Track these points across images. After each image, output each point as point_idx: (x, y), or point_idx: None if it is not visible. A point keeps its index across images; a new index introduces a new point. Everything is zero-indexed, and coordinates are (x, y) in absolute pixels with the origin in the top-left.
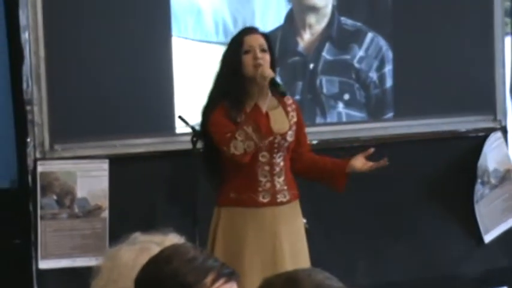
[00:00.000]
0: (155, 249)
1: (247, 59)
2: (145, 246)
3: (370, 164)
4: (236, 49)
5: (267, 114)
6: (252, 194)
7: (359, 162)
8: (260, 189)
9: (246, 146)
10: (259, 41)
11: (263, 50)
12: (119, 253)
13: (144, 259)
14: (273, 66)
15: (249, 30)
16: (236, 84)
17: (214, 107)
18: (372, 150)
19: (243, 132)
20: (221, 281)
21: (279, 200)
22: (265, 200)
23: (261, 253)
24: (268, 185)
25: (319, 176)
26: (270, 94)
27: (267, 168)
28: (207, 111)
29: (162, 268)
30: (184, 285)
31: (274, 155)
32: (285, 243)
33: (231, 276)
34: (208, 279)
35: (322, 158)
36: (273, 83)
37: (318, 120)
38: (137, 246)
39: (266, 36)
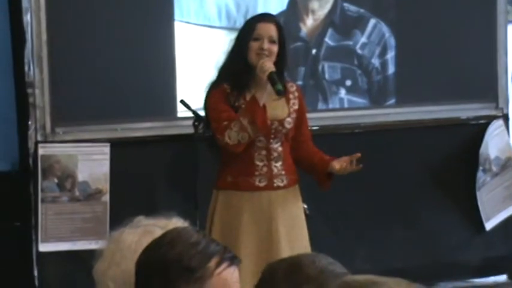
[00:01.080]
0: (158, 233)
1: (254, 47)
2: (149, 230)
3: (347, 168)
4: (246, 34)
5: (264, 107)
6: (249, 178)
7: (338, 165)
8: (257, 173)
9: (240, 137)
10: (270, 31)
11: (272, 41)
12: (122, 236)
13: (146, 242)
14: (282, 59)
15: (264, 17)
16: (239, 69)
17: (216, 86)
18: (358, 155)
19: (239, 123)
20: (224, 265)
21: (275, 185)
22: (262, 184)
23: (257, 237)
24: (265, 169)
25: (308, 170)
26: (268, 88)
27: (264, 152)
28: (207, 91)
29: (165, 252)
30: (189, 269)
31: (272, 140)
32: (281, 228)
33: (233, 260)
34: (212, 263)
35: (314, 152)
36: (270, 78)
37: (320, 106)
38: (140, 229)
39: (280, 26)
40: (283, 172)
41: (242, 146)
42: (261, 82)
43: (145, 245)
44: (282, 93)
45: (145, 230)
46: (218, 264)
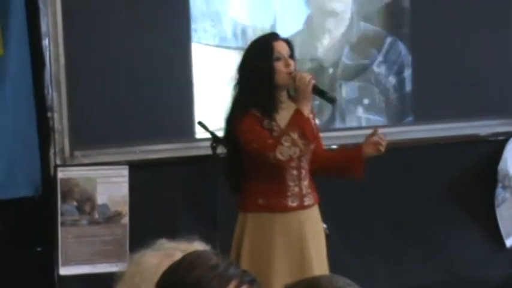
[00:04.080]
0: (179, 256)
1: (280, 67)
2: (169, 253)
3: (379, 145)
4: (267, 55)
5: (309, 119)
6: (282, 199)
7: (370, 148)
8: (289, 193)
9: (291, 152)
10: (286, 49)
11: (290, 57)
12: (143, 258)
13: (167, 265)
14: None
15: (275, 36)
16: (269, 93)
17: (243, 114)
18: (377, 130)
19: (290, 138)
20: None
21: (306, 204)
22: (294, 204)
23: (289, 258)
24: (296, 189)
25: (336, 169)
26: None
27: (295, 172)
28: (235, 119)
29: (184, 275)
30: None
31: (302, 159)
32: (311, 246)
33: (253, 283)
34: (231, 286)
35: (332, 152)
36: (318, 90)
37: (338, 124)
38: (161, 252)
39: (289, 42)
40: (309, 190)
41: (292, 160)
42: (304, 96)
43: (165, 268)
44: (336, 101)
45: (166, 253)
46: (237, 287)
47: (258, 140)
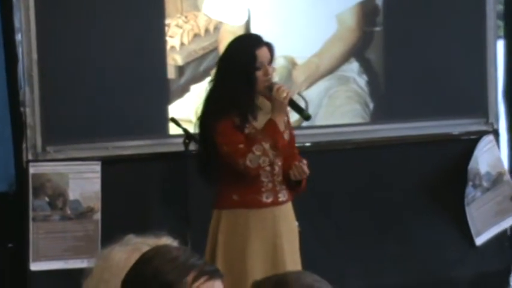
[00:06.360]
0: None
1: (260, 76)
2: (138, 247)
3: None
4: (249, 64)
5: (280, 131)
6: (256, 195)
7: (292, 172)
8: (263, 189)
9: (261, 161)
10: (267, 55)
11: (269, 63)
12: (111, 253)
13: (135, 259)
14: None
15: (259, 42)
16: (249, 99)
17: (220, 115)
18: (303, 160)
19: (261, 148)
20: (203, 279)
21: (280, 200)
22: (269, 200)
23: (263, 253)
24: (270, 185)
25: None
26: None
27: (268, 169)
28: (210, 118)
29: (143, 268)
30: (164, 284)
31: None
32: (285, 243)
33: (214, 273)
34: (190, 277)
35: (293, 157)
36: (295, 106)
37: (310, 122)
38: (129, 247)
39: (271, 46)
40: (283, 186)
41: (260, 169)
42: (280, 109)
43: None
44: (310, 117)
45: (134, 248)
46: (196, 278)
47: (229, 144)
